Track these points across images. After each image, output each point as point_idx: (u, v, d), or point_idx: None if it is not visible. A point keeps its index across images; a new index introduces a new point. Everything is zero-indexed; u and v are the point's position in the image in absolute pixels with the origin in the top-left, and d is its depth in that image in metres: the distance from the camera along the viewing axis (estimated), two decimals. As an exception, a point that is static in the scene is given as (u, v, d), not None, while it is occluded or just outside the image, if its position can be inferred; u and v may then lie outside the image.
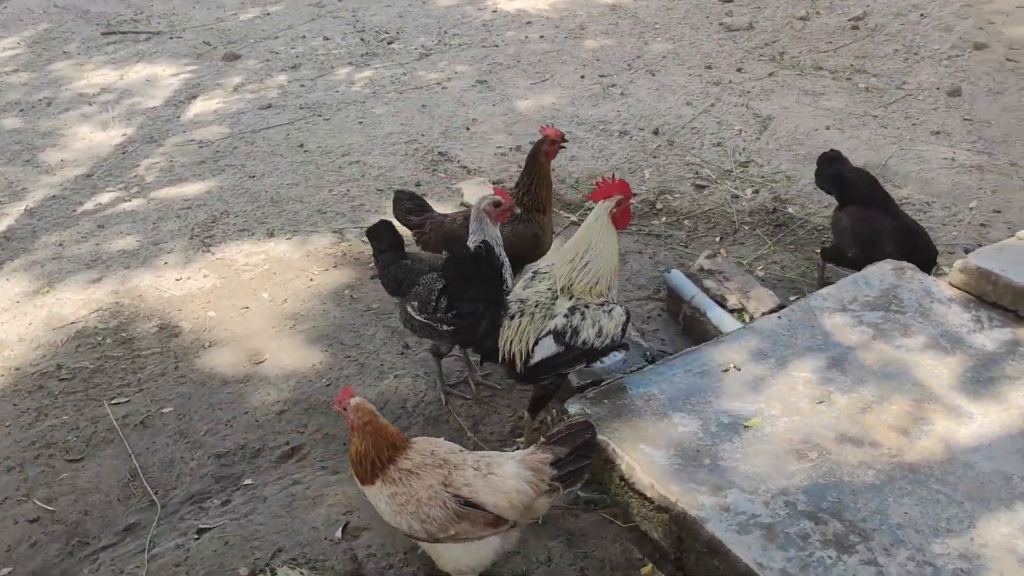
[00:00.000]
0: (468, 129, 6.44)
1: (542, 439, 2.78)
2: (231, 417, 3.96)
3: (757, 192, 5.46)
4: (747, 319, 4.12)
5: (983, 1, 7.81)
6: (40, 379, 4.22)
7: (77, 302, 4.75)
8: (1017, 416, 3.26)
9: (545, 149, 3.96)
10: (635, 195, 3.67)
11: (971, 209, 5.19)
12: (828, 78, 6.99)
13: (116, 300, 4.76)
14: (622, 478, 3.24)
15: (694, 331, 4.27)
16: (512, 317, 3.41)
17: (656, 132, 6.28)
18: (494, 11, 8.62)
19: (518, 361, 3.40)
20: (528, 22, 8.35)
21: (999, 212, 5.12)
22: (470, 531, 2.66)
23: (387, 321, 4.49)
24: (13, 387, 4.19)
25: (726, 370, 3.62)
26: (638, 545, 3.17)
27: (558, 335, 3.37)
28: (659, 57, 7.53)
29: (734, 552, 2.81)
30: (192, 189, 5.82)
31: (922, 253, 4.24)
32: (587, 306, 3.41)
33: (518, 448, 3.39)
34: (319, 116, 6.72)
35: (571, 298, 3.44)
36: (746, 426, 3.33)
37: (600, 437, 3.07)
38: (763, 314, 4.04)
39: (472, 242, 3.72)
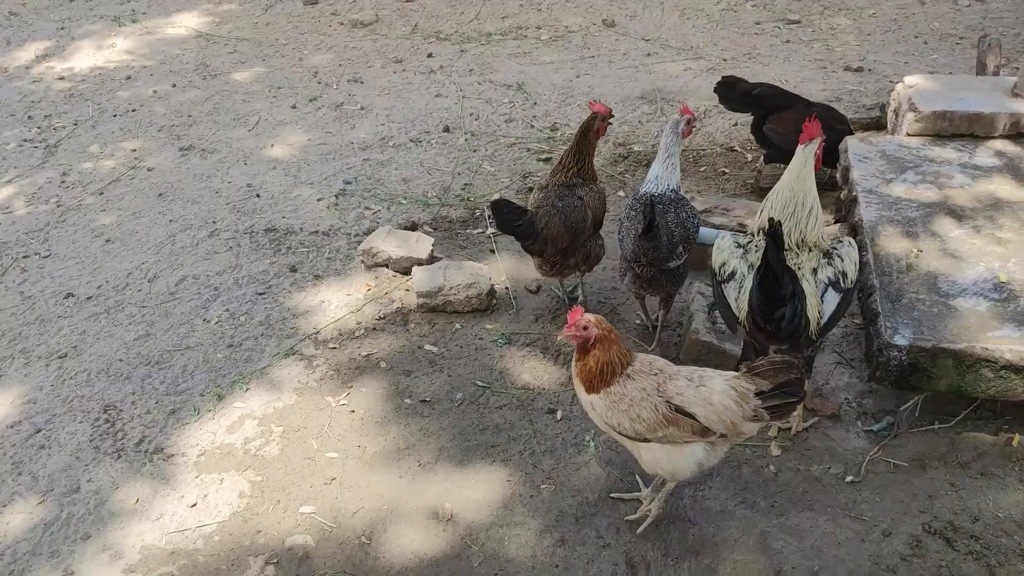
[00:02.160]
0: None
1: (743, 368, 2.83)
2: None
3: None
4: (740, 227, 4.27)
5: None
6: None
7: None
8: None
9: (597, 126, 3.96)
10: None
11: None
12: (510, 39, 7.16)
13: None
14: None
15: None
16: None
17: (447, 129, 5.79)
18: (61, 77, 6.72)
19: (814, 326, 3.14)
20: (128, 77, 6.72)
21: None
22: (676, 436, 2.77)
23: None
24: None
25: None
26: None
27: (835, 285, 3.21)
28: (336, 65, 6.82)
29: None
30: None
31: (847, 125, 4.84)
32: (831, 248, 3.31)
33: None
34: None
35: (809, 249, 3.29)
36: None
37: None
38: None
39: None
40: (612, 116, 4.10)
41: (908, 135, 4.60)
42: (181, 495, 3.28)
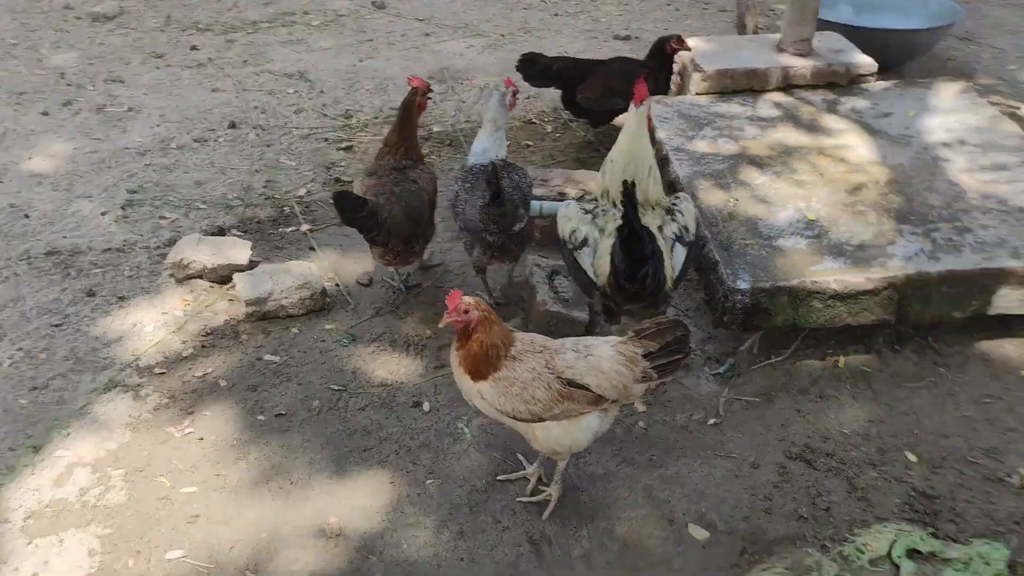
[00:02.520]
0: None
1: (631, 333, 2.88)
2: None
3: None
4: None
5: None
6: None
7: None
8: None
9: (419, 101, 3.89)
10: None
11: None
12: (279, 27, 6.81)
13: None
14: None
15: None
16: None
17: (233, 125, 5.42)
18: None
19: (670, 280, 3.29)
20: None
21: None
22: (572, 409, 2.76)
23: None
24: None
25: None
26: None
27: (680, 239, 3.39)
28: (86, 64, 6.14)
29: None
30: None
31: (648, 65, 5.03)
32: (671, 205, 3.47)
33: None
34: None
35: (652, 207, 3.44)
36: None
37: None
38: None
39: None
40: (432, 91, 4.02)
41: (697, 94, 4.88)
42: (15, 568, 2.83)
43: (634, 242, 3.09)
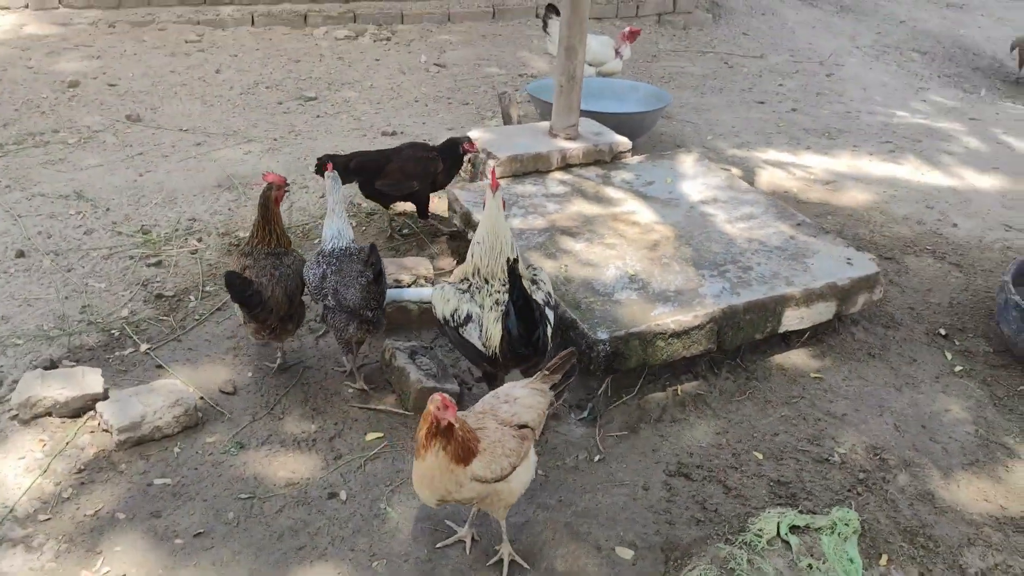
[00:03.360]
0: None
1: (544, 371, 3.40)
2: None
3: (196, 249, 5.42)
4: (425, 280, 4.82)
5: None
6: None
7: None
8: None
9: (275, 195, 4.19)
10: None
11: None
12: (30, 147, 6.44)
13: None
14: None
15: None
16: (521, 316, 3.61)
17: (21, 254, 5.10)
18: None
19: (549, 342, 3.80)
20: None
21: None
22: (526, 449, 3.13)
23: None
24: None
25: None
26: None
27: (548, 304, 3.91)
28: None
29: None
30: None
31: (437, 151, 5.50)
32: (533, 276, 3.97)
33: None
34: None
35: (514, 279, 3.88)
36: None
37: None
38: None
39: None
40: (288, 184, 4.31)
41: (491, 174, 5.44)
42: None
43: (528, 311, 3.51)
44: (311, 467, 3.73)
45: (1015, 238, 6.10)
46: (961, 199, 6.71)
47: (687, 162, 5.89)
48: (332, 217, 4.16)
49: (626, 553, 3.41)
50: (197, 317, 4.66)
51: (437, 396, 2.91)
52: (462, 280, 3.90)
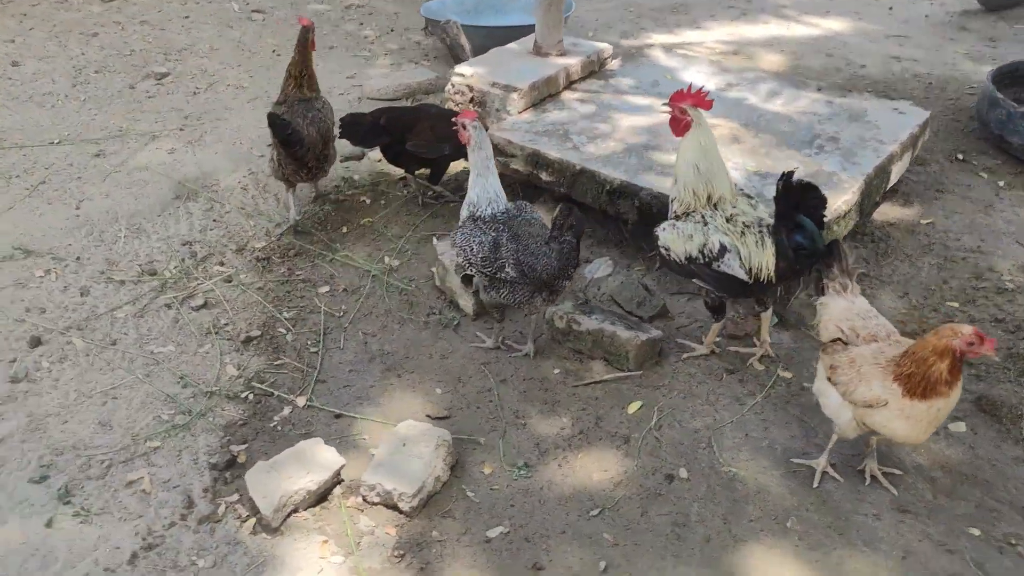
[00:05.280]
0: None
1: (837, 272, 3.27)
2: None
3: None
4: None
5: None
6: None
7: None
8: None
9: (311, 37, 4.55)
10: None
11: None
12: None
13: None
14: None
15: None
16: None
17: (38, 342, 3.88)
18: None
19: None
20: None
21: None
22: None
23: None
24: None
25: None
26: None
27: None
28: None
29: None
30: None
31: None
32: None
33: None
34: None
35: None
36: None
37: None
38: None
39: None
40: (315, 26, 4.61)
41: (519, 113, 5.02)
42: None
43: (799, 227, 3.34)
44: (614, 459, 3.35)
45: (910, 67, 6.84)
46: (839, 43, 7.35)
47: (661, 57, 5.82)
48: (486, 176, 3.62)
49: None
50: (313, 349, 3.87)
51: (969, 329, 2.65)
52: (685, 214, 3.60)
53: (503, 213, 3.60)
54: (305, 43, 4.53)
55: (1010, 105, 5.26)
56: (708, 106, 3.57)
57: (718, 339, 3.90)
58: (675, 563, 2.93)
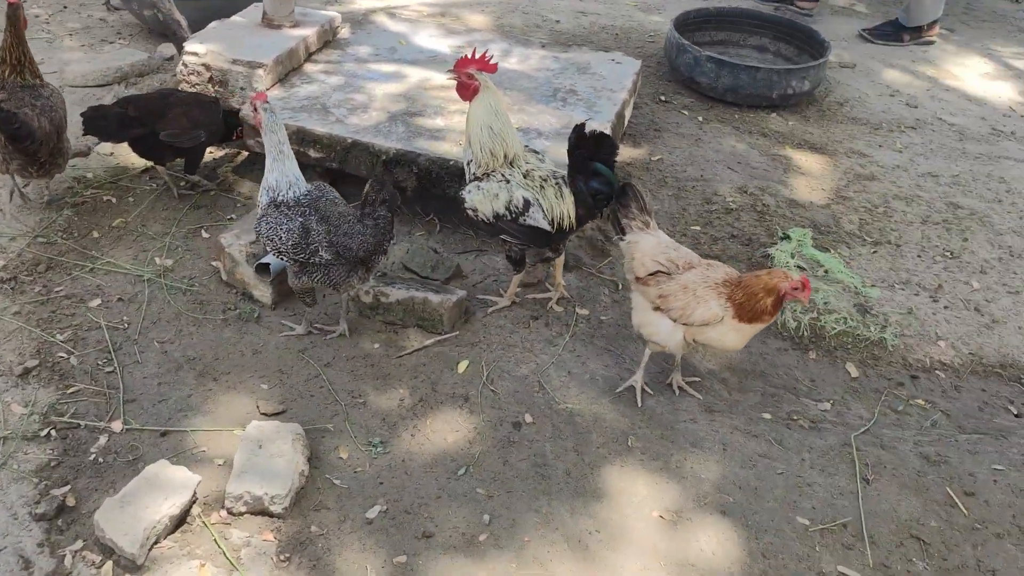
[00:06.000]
0: None
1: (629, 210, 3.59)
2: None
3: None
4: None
5: None
6: None
7: None
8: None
9: (21, 15, 4.10)
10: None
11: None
12: None
13: None
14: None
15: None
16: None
17: None
18: None
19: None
20: None
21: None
22: None
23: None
24: None
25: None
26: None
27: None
28: None
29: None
30: None
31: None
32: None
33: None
34: None
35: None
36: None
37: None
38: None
39: None
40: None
41: (267, 89, 4.84)
42: None
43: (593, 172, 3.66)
44: (460, 418, 3.50)
45: (596, 20, 7.52)
46: (532, 1, 7.85)
47: (388, 23, 5.89)
48: (283, 160, 3.54)
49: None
50: (108, 369, 3.56)
51: (797, 277, 3.14)
52: (485, 175, 3.78)
53: (305, 195, 3.52)
54: (17, 21, 4.05)
55: (696, 50, 6.02)
56: (493, 69, 3.72)
57: (517, 290, 4.13)
58: (548, 500, 3.14)
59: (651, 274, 3.39)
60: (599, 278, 4.35)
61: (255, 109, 3.43)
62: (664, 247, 3.44)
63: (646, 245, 3.46)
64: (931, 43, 7.36)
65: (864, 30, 7.51)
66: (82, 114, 4.20)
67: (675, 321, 3.34)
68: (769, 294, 3.15)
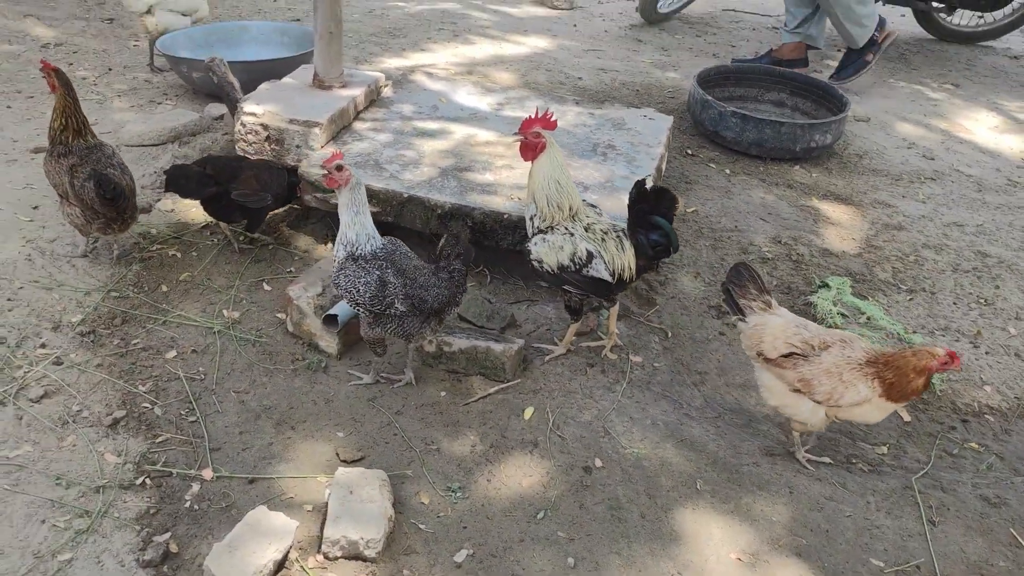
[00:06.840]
0: None
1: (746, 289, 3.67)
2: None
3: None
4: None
5: None
6: None
7: None
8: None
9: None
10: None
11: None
12: None
13: None
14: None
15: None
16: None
17: None
18: None
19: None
20: None
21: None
22: None
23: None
24: None
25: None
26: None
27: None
28: None
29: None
30: None
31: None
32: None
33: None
34: None
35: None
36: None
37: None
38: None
39: None
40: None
41: (322, 147, 5.04)
42: None
43: (653, 226, 3.85)
44: (532, 463, 3.62)
45: (616, 76, 7.80)
46: (551, 59, 8.13)
47: (425, 81, 6.12)
48: (363, 216, 3.70)
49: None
50: (191, 418, 3.68)
51: (942, 351, 3.19)
52: (549, 228, 3.95)
53: (381, 249, 3.68)
54: (69, 84, 4.23)
55: (721, 106, 6.27)
56: (554, 126, 3.93)
57: (572, 338, 4.28)
58: (628, 543, 3.26)
59: (785, 356, 3.47)
60: (648, 326, 4.50)
61: (332, 170, 3.57)
62: (795, 328, 3.46)
63: (775, 327, 3.48)
64: (892, 43, 7.50)
65: (831, 78, 7.59)
66: (165, 171, 4.41)
67: (819, 403, 3.43)
68: (920, 375, 3.24)
